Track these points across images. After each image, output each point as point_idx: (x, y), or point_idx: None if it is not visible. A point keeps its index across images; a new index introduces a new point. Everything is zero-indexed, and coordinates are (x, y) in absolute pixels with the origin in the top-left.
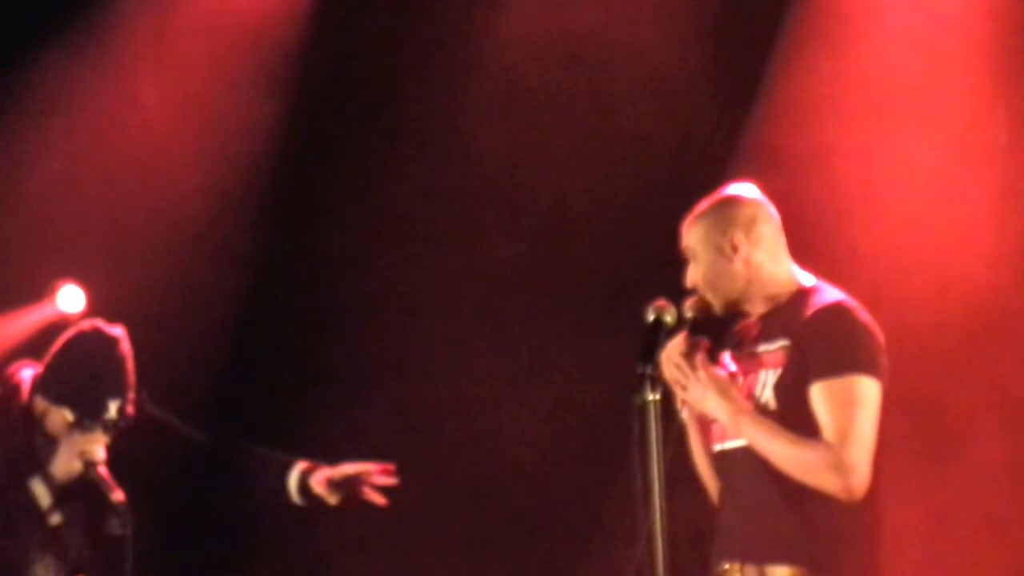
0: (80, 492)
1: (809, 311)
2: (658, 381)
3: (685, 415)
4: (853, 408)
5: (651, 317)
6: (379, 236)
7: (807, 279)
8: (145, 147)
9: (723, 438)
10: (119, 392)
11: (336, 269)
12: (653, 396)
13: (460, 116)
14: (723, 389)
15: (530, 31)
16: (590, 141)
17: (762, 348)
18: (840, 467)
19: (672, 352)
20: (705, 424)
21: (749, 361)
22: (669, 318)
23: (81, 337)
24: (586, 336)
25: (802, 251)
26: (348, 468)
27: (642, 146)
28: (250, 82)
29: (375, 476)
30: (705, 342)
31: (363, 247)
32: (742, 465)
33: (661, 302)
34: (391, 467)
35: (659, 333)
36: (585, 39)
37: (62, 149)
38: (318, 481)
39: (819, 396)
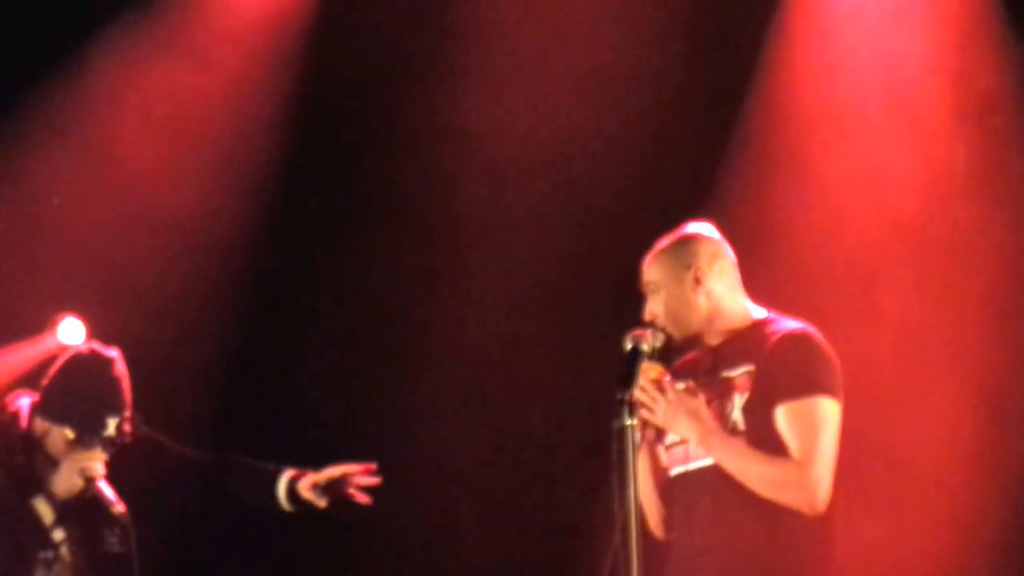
0: (81, 510)
1: (772, 338)
2: (636, 406)
3: (637, 439)
4: (817, 428)
5: (629, 345)
6: (374, 262)
7: (759, 312)
8: (142, 181)
9: (686, 460)
10: (117, 410)
11: (332, 292)
12: (631, 421)
13: (454, 147)
14: (693, 410)
15: (516, 60)
16: (573, 180)
17: (725, 374)
18: (806, 483)
19: (638, 376)
20: (654, 449)
21: (716, 386)
22: (646, 346)
23: (78, 359)
24: (571, 359)
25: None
26: (332, 471)
27: (622, 182)
28: (247, 114)
29: (358, 476)
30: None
31: (358, 272)
32: (709, 484)
33: (639, 331)
34: (373, 467)
35: (637, 361)
36: (569, 83)
37: (61, 185)
38: (305, 486)
39: (785, 417)
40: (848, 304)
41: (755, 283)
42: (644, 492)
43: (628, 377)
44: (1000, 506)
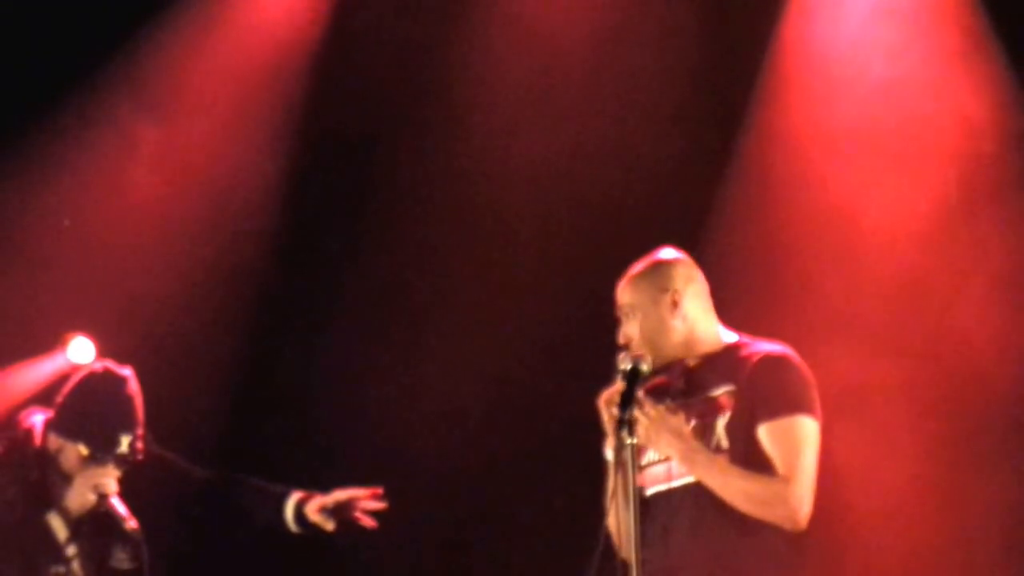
0: (93, 526)
1: (752, 359)
2: (635, 426)
3: (621, 458)
4: (799, 446)
5: (628, 365)
6: (383, 280)
7: (730, 335)
8: (151, 204)
9: (668, 478)
10: (129, 427)
11: (341, 310)
12: (632, 440)
13: (453, 170)
14: (675, 428)
15: (517, 90)
16: (576, 194)
17: (705, 395)
18: (789, 500)
19: (614, 396)
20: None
21: (696, 407)
22: (646, 366)
23: (92, 377)
24: (573, 373)
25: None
26: (339, 495)
27: (622, 205)
28: (254, 134)
29: (365, 501)
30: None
31: (367, 290)
32: (690, 502)
33: (638, 352)
34: (379, 491)
35: (637, 380)
36: (572, 96)
37: (71, 207)
38: (312, 509)
39: (768, 435)
40: (841, 322)
41: (751, 302)
42: (615, 511)
43: (627, 397)
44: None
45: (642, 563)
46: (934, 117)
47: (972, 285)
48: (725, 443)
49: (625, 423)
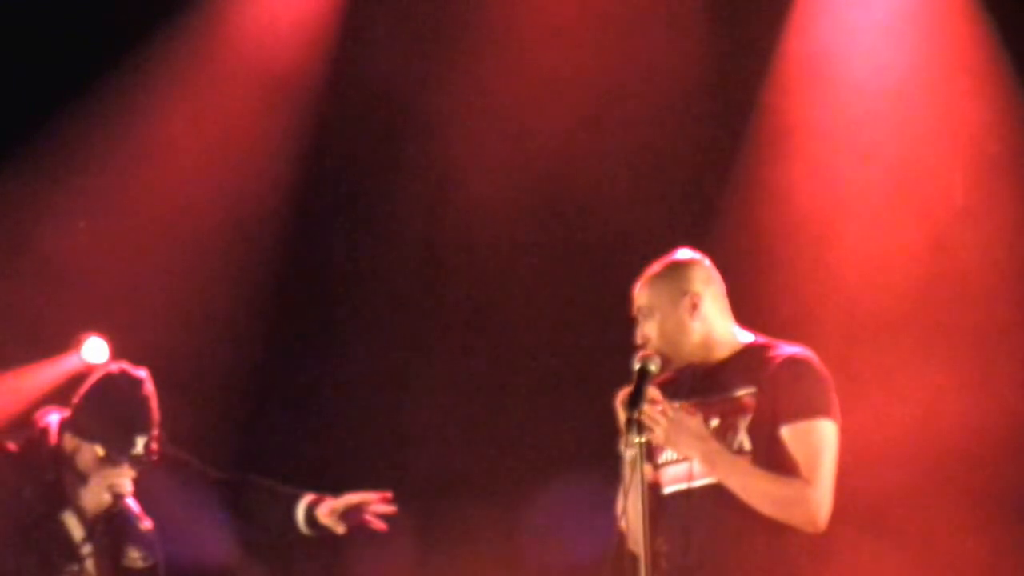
0: (108, 525)
1: (775, 361)
2: (644, 425)
3: (630, 457)
4: (820, 449)
5: (637, 366)
6: (391, 286)
7: (746, 336)
8: (164, 205)
9: (689, 478)
10: (145, 428)
11: (350, 316)
12: (641, 438)
13: (462, 175)
14: (695, 430)
15: (525, 95)
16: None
17: (725, 395)
18: (810, 502)
19: (646, 395)
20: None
21: (715, 407)
22: (654, 367)
23: (109, 378)
24: (571, 378)
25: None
26: (350, 498)
27: (629, 207)
28: (267, 139)
29: (374, 504)
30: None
31: (376, 296)
32: (711, 502)
33: (647, 352)
34: (389, 495)
35: (646, 380)
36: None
37: (86, 208)
38: (323, 512)
39: (790, 437)
40: (850, 325)
41: (758, 303)
42: (631, 510)
43: (637, 396)
44: None
45: (660, 560)
46: (939, 120)
47: (978, 287)
48: (747, 444)
49: (633, 421)
